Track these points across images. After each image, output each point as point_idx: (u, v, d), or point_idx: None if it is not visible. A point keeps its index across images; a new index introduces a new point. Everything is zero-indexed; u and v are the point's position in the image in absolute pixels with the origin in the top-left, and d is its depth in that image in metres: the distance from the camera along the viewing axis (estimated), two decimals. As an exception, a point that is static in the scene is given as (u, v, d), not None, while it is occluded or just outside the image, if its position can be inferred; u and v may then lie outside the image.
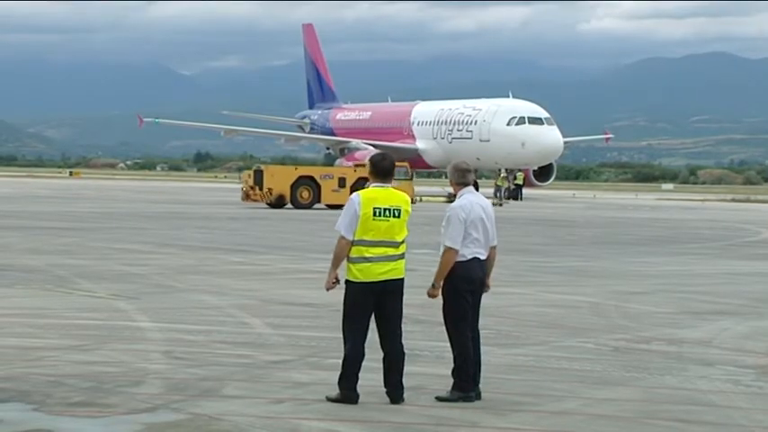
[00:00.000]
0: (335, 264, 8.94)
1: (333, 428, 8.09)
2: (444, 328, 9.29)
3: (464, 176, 9.34)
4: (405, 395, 8.93)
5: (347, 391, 8.84)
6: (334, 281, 8.92)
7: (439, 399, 9.02)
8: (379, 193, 8.94)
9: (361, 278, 8.83)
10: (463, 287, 9.10)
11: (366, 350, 8.95)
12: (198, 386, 9.37)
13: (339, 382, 8.89)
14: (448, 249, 9.05)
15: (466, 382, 9.02)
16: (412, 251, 9.02)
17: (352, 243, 8.84)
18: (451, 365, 9.19)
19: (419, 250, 24.85)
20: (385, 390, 8.95)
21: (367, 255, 8.82)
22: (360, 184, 47.54)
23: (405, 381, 8.99)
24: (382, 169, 9.06)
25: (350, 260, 8.88)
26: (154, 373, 9.93)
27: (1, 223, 31.73)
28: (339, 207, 50.67)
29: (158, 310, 14.04)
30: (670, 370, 10.71)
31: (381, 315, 8.95)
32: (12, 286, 16.49)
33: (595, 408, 8.98)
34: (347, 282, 8.91)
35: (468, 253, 9.08)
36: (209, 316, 13.80)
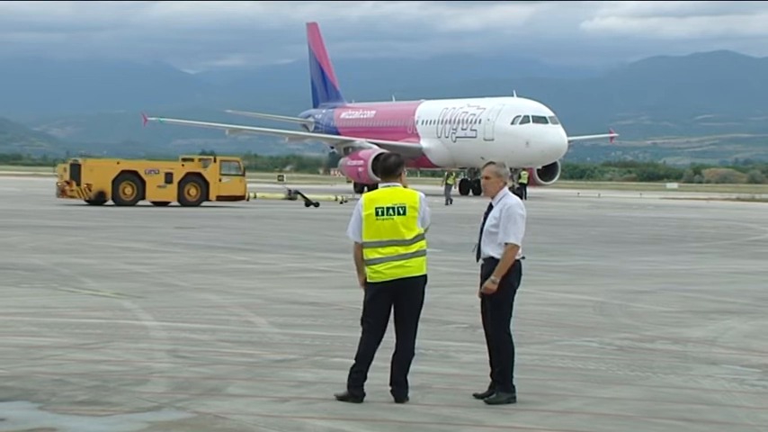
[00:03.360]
0: (357, 268, 9.04)
1: (337, 427, 8.09)
2: (485, 329, 9.17)
3: (508, 176, 9.45)
4: (409, 394, 8.91)
5: (352, 389, 8.84)
6: (364, 283, 8.99)
7: (488, 401, 8.90)
8: (381, 193, 8.96)
9: (375, 278, 8.86)
10: (516, 286, 9.13)
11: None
12: (202, 385, 9.37)
13: (348, 378, 8.88)
14: (513, 246, 9.01)
15: (511, 382, 9.00)
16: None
17: (364, 245, 8.89)
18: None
19: (423, 249, 24.86)
20: (390, 388, 8.94)
21: (378, 255, 8.84)
22: (187, 180, 45.97)
23: (409, 380, 8.97)
24: (384, 168, 9.09)
25: (365, 262, 8.93)
26: (158, 371, 9.94)
27: (6, 222, 31.76)
28: (165, 204, 45.44)
29: (163, 309, 14.05)
30: (675, 369, 10.70)
31: (397, 312, 8.97)
32: (16, 285, 16.51)
33: (600, 407, 8.97)
34: (367, 282, 8.95)
35: (520, 251, 9.13)
36: (214, 315, 13.80)
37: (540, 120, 66.70)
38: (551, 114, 67.48)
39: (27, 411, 8.32)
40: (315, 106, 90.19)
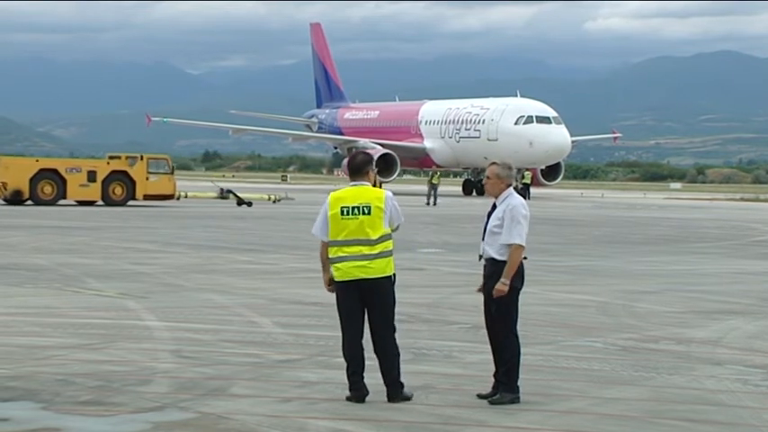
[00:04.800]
0: (323, 267, 9.04)
1: (340, 427, 8.09)
2: (493, 330, 9.16)
3: (512, 177, 9.43)
4: (413, 394, 8.89)
5: (352, 390, 8.84)
6: (329, 283, 8.99)
7: (491, 402, 8.88)
8: (347, 192, 8.92)
9: (339, 277, 8.86)
10: (519, 287, 9.13)
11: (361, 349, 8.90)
12: (206, 385, 9.37)
13: (347, 380, 8.88)
14: (518, 247, 9.02)
15: (515, 383, 9.00)
16: (419, 250, 9.00)
17: (329, 244, 8.87)
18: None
19: (426, 249, 24.85)
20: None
21: (341, 254, 8.83)
22: (112, 178, 44.38)
23: (412, 380, 8.95)
24: (353, 167, 9.06)
25: (329, 260, 8.93)
26: (162, 372, 9.94)
27: (9, 222, 31.80)
28: (89, 204, 44.68)
29: (166, 309, 14.05)
30: (678, 369, 10.68)
31: (369, 315, 8.94)
32: (20, 285, 16.52)
33: (603, 407, 8.96)
34: (334, 281, 8.95)
35: (524, 252, 9.14)
36: (217, 315, 13.80)
37: (543, 120, 66.69)
38: (555, 114, 67.47)
39: (31, 411, 8.33)
40: (318, 106, 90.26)
